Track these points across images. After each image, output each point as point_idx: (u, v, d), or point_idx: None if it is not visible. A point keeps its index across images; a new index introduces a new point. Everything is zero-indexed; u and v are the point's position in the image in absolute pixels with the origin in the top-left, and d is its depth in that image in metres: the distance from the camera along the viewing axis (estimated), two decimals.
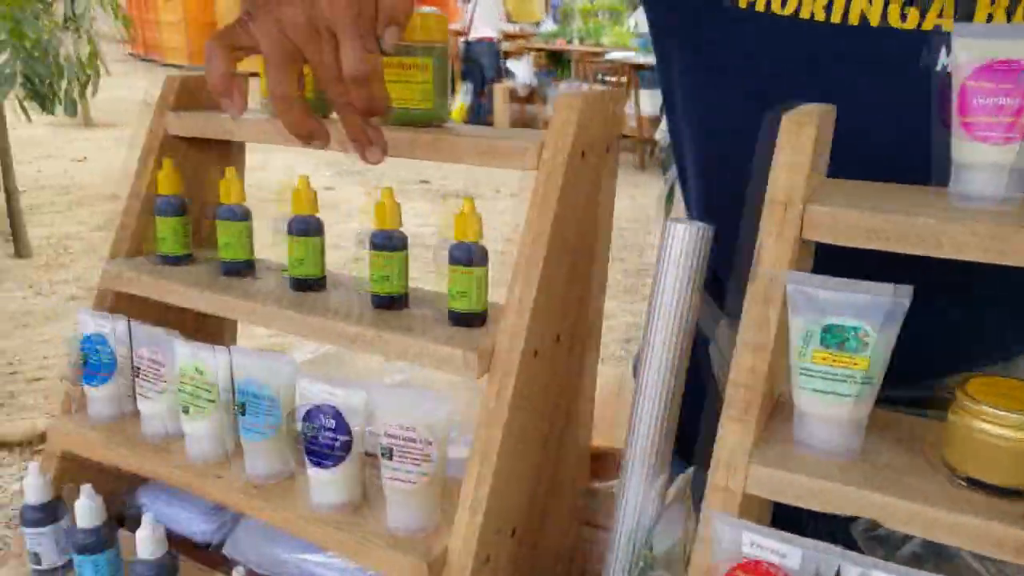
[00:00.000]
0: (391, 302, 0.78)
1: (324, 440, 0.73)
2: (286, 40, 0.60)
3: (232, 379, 0.79)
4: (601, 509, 0.89)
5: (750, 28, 0.70)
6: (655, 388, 0.68)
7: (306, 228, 0.80)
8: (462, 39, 8.07)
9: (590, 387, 0.84)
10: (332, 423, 0.73)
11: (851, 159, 0.61)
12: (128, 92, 6.96)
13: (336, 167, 6.27)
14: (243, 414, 0.78)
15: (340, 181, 5.99)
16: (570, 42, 8.69)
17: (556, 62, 8.80)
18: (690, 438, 0.68)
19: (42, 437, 2.88)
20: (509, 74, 8.33)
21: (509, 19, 9.19)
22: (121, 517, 0.93)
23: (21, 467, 2.73)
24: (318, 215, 0.81)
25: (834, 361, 0.56)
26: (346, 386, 0.73)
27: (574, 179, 0.69)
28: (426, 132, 0.74)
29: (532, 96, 8.27)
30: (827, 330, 0.56)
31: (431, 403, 0.70)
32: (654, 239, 0.71)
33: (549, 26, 9.53)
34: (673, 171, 1.00)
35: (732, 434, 0.58)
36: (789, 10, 0.68)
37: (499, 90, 8.12)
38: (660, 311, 0.67)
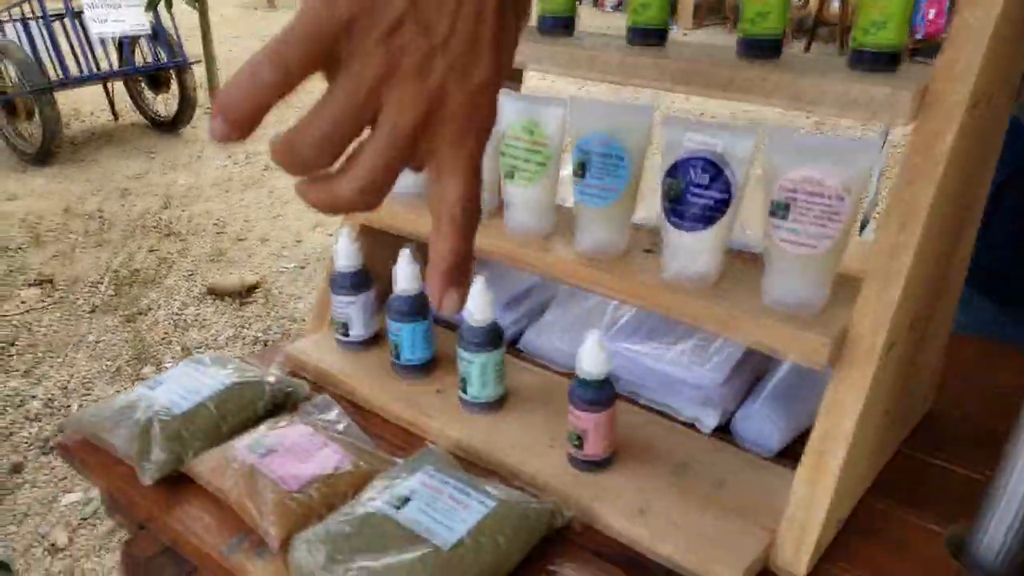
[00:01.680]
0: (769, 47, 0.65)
1: (694, 198, 0.63)
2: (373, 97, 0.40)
3: (567, 136, 0.70)
4: None
5: None
6: None
7: None
8: None
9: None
10: (706, 177, 0.62)
11: None
12: None
13: None
14: (582, 176, 0.69)
15: None
16: None
17: None
18: None
19: (250, 289, 3.02)
20: None
21: None
22: None
23: (233, 315, 2.87)
24: None
25: None
26: (731, 130, 0.61)
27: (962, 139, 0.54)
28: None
29: None
30: None
31: (845, 149, 0.57)
32: None
33: None
34: None
35: None
36: None
37: None
38: None
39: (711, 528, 0.62)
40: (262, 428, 0.72)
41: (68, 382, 2.52)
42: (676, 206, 0.64)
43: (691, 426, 0.75)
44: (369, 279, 0.84)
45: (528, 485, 0.67)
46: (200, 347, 2.68)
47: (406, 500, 0.61)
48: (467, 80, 0.41)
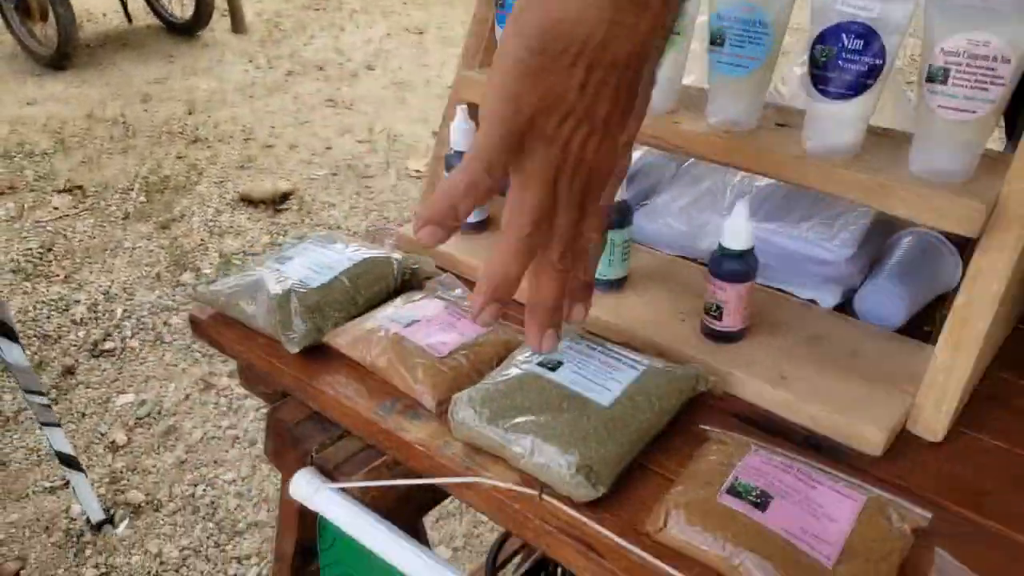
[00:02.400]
0: None
1: (846, 65, 0.62)
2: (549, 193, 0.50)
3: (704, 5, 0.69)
4: None
5: None
6: None
7: None
8: None
9: None
10: (859, 43, 0.62)
11: None
12: None
13: None
14: (720, 45, 0.68)
15: None
16: None
17: None
18: None
19: (284, 196, 3.01)
20: None
21: None
22: None
23: (268, 222, 2.88)
24: None
25: None
26: None
27: None
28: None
29: None
30: None
31: (1010, 11, 0.57)
32: None
33: None
34: None
35: None
36: None
37: None
38: None
39: (851, 392, 0.64)
40: (398, 301, 0.73)
41: (109, 287, 2.54)
42: (825, 74, 0.63)
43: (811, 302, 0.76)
44: None
45: (663, 356, 0.69)
46: (238, 254, 2.69)
47: (558, 363, 0.63)
48: (615, 144, 0.49)
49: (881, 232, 0.79)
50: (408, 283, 0.78)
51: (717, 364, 0.67)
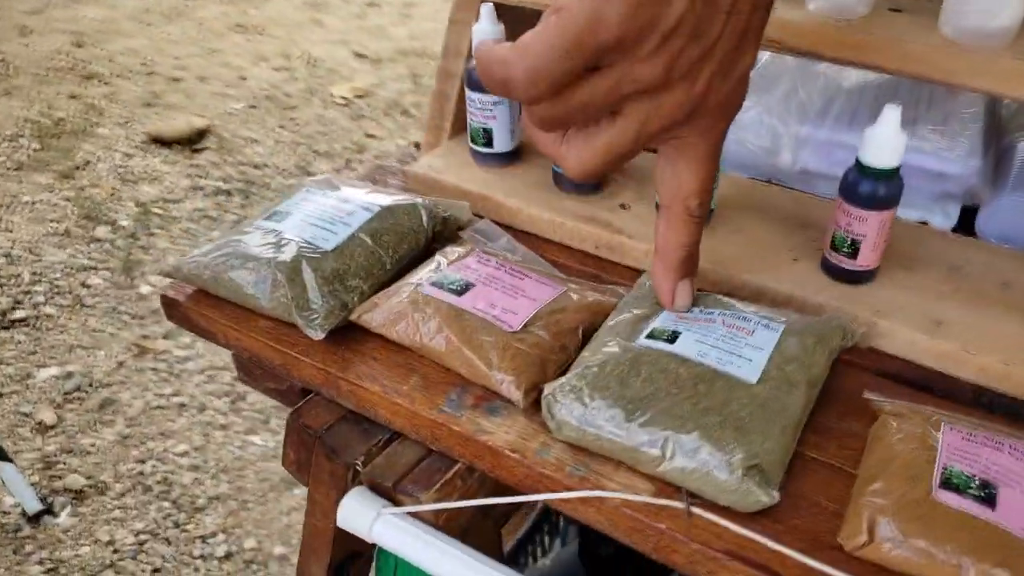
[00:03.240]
0: None
1: None
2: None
3: None
4: None
5: None
6: None
7: None
8: None
9: None
10: None
11: None
12: None
13: None
14: None
15: None
16: None
17: None
18: None
19: (200, 134, 2.73)
20: None
21: None
22: None
23: (186, 164, 2.61)
24: None
25: None
26: None
27: None
28: None
29: None
30: None
31: None
32: None
33: None
34: None
35: None
36: None
37: None
38: None
39: (1020, 335, 0.52)
40: (436, 260, 0.57)
41: (11, 248, 2.26)
42: None
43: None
44: None
45: (782, 305, 0.56)
46: (157, 202, 2.43)
47: (675, 333, 0.49)
48: (731, 75, 0.39)
49: (993, 135, 0.67)
50: (439, 235, 0.62)
51: (857, 311, 0.54)
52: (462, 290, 0.53)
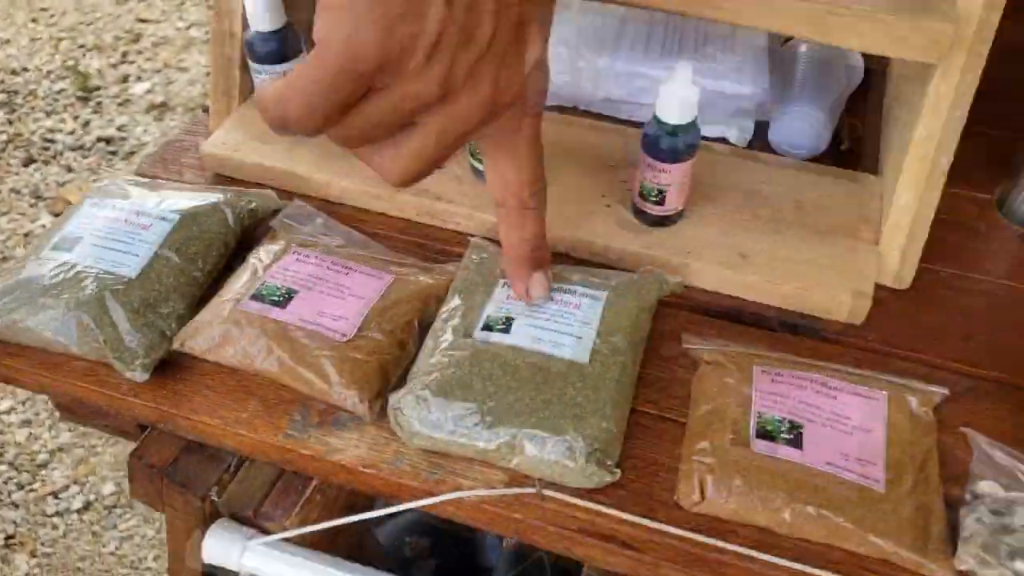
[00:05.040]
0: None
1: None
2: None
3: None
4: None
5: None
6: None
7: None
8: None
9: None
10: None
11: None
12: None
13: None
14: None
15: None
16: None
17: None
18: None
19: None
20: None
21: None
22: None
23: None
24: None
25: None
26: None
27: None
28: None
29: None
30: None
31: None
32: None
33: None
34: None
35: None
36: None
37: None
38: None
39: (814, 256, 0.57)
40: (251, 264, 0.55)
41: None
42: None
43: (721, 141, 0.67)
44: (298, 38, 0.62)
45: (599, 255, 0.58)
46: None
47: (508, 321, 0.50)
48: (518, 69, 0.38)
49: (777, 50, 0.69)
50: (249, 229, 0.59)
51: (669, 256, 0.57)
52: (285, 300, 0.52)
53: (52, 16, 2.52)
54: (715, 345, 0.52)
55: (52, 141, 2.13)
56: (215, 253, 0.55)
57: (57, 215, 1.93)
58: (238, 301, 0.52)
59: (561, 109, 0.71)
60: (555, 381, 0.47)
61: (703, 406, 0.49)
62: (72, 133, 2.15)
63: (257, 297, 0.52)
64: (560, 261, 0.57)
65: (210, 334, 0.51)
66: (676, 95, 0.52)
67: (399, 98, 0.35)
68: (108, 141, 2.14)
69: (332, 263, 0.54)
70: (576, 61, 0.66)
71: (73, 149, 2.11)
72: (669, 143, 0.54)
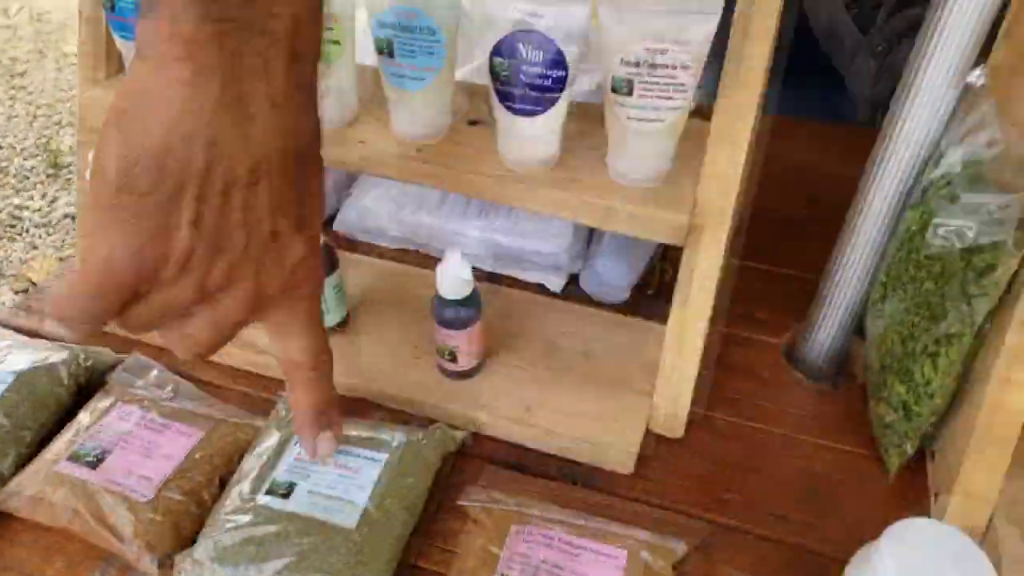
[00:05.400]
0: None
1: (527, 79, 0.55)
2: None
3: (367, 13, 0.57)
4: None
5: None
6: None
7: None
8: None
9: None
10: (539, 55, 0.54)
11: None
12: None
13: None
14: (390, 55, 0.58)
15: None
16: None
17: None
18: None
19: None
20: None
21: None
22: None
23: None
24: None
25: None
26: (556, 2, 0.53)
27: None
28: None
29: None
30: None
31: (685, 17, 0.51)
32: None
33: None
34: None
35: None
36: None
37: None
38: None
39: (593, 409, 0.63)
40: (81, 420, 0.61)
41: None
42: (508, 89, 0.56)
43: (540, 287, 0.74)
44: None
45: (404, 406, 0.64)
46: None
47: (291, 486, 0.56)
48: (284, 262, 0.41)
49: None
50: (88, 383, 0.65)
51: (463, 409, 0.63)
52: (97, 461, 0.57)
53: (29, 93, 2.62)
54: (489, 500, 0.57)
55: (19, 218, 2.21)
56: (46, 412, 0.61)
57: (20, 292, 2.00)
58: (55, 462, 0.58)
59: (404, 250, 0.77)
60: (321, 547, 0.52)
61: (459, 565, 0.54)
62: (39, 210, 2.23)
63: (72, 458, 0.58)
64: (365, 409, 0.63)
65: (25, 496, 0.56)
66: (449, 275, 0.58)
67: (162, 303, 0.39)
68: (74, 218, 2.22)
69: (149, 422, 0.60)
70: (404, 217, 0.73)
71: (39, 226, 2.19)
72: (452, 314, 0.60)
